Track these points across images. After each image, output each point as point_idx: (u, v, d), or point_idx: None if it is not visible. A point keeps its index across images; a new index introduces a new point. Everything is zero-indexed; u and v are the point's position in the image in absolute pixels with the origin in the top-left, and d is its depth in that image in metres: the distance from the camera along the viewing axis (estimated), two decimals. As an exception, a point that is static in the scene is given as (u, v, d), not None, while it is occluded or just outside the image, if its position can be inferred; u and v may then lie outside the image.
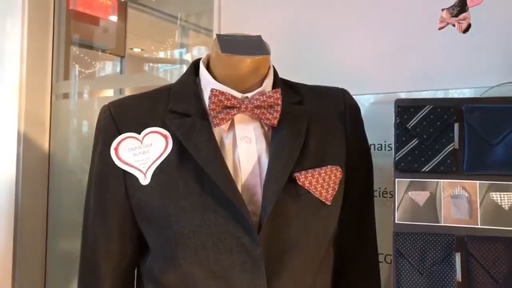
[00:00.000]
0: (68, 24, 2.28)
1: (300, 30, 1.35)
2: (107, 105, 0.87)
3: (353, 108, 0.92)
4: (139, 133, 0.84)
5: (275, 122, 0.82)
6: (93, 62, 3.04)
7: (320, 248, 0.83)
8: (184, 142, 0.81)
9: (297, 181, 0.80)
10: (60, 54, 2.20)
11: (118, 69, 4.15)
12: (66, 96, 2.21)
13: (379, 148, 1.22)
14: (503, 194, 0.78)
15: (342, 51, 1.28)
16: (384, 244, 0.97)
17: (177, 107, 0.85)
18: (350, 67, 1.26)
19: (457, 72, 1.01)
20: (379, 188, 1.21)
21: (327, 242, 0.84)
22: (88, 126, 2.17)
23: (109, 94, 2.53)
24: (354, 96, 0.96)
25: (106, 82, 2.59)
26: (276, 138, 0.83)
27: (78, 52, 2.51)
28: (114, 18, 3.45)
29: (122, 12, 3.38)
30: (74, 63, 2.39)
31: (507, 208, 0.77)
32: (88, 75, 2.76)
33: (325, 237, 0.83)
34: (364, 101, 1.25)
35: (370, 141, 1.09)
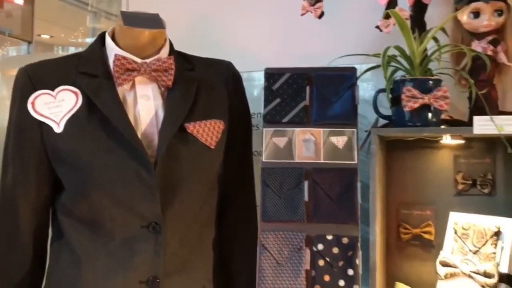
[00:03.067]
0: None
1: (199, 16, 1.56)
2: (24, 67, 1.02)
3: (235, 77, 1.15)
4: (52, 90, 1.00)
5: (170, 83, 1.03)
6: (-4, 46, 2.98)
7: (205, 184, 1.05)
8: (92, 97, 0.99)
9: (187, 129, 1.02)
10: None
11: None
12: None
13: (264, 116, 1.46)
14: (339, 138, 1.05)
15: (235, 34, 1.51)
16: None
17: (86, 69, 1.02)
18: (242, 48, 1.49)
19: (319, 50, 1.28)
20: (264, 148, 1.46)
21: (212, 179, 1.07)
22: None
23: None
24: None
25: (13, 61, 2.60)
26: (170, 96, 1.03)
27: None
28: (20, 1, 3.38)
29: (29, -5, 3.30)
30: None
31: (341, 147, 1.05)
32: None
33: (210, 175, 1.05)
34: (253, 77, 1.49)
35: (256, 110, 1.33)
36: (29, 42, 4.19)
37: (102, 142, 0.97)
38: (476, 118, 0.97)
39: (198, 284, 1.05)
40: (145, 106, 1.02)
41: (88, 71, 1.01)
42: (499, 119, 0.94)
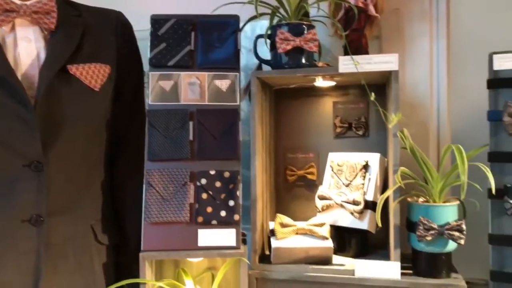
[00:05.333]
0: None
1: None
2: None
3: (125, 26, 1.17)
4: None
5: (52, 26, 1.03)
6: None
7: (90, 125, 1.06)
8: None
9: (70, 71, 1.03)
10: None
11: None
12: None
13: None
14: (223, 81, 1.11)
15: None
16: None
17: None
18: (136, 7, 1.49)
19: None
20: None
21: (98, 122, 1.08)
22: None
23: None
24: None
25: None
26: (53, 39, 1.04)
27: None
28: None
29: None
30: None
31: (224, 90, 1.11)
32: None
33: (94, 117, 1.07)
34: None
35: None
36: None
37: (-22, 81, 0.96)
38: (340, 58, 1.07)
39: (85, 223, 1.07)
40: (26, 48, 1.02)
41: None
42: (357, 57, 1.05)
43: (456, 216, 1.02)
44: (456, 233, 0.99)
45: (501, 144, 1.04)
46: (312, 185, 1.31)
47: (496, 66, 1.07)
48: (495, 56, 1.07)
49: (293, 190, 1.34)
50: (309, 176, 1.32)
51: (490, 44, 1.16)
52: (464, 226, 1.00)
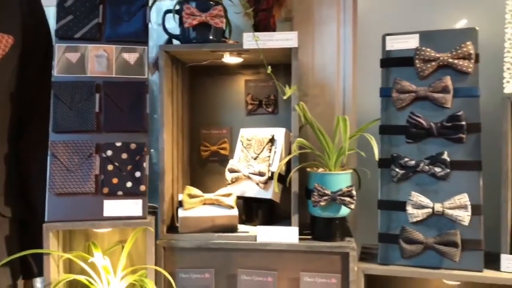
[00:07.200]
0: None
1: None
2: None
3: None
4: None
5: None
6: None
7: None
8: None
9: (-34, 40, 1.00)
10: None
11: None
12: None
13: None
14: (131, 54, 1.12)
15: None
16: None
17: None
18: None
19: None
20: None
21: (-1, 94, 1.07)
22: None
23: None
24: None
25: None
26: None
27: None
28: None
29: None
30: None
31: (132, 63, 1.12)
32: None
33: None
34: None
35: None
36: None
37: None
38: (245, 35, 1.11)
39: (-14, 196, 1.05)
40: None
41: None
42: (259, 34, 1.10)
43: (349, 183, 1.11)
44: (347, 199, 1.07)
45: (390, 118, 1.13)
46: (225, 160, 1.35)
47: (388, 47, 1.16)
48: (387, 38, 1.16)
49: (207, 165, 1.38)
50: (222, 152, 1.36)
51: (391, 28, 1.25)
52: (354, 192, 1.08)
